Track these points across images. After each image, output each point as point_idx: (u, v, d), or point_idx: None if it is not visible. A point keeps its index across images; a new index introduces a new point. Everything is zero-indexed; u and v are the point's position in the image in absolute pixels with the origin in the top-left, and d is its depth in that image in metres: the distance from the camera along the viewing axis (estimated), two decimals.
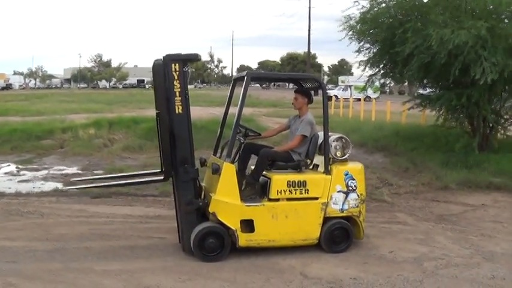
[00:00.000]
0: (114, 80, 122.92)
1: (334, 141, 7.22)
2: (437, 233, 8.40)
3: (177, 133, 6.62)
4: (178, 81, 6.51)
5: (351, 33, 14.54)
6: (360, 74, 16.49)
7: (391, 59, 13.93)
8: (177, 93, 6.51)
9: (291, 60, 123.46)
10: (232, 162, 6.80)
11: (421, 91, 16.37)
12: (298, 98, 7.43)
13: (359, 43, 14.71)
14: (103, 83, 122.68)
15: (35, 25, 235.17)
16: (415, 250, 7.42)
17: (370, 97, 32.62)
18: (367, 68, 15.08)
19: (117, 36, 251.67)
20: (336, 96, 42.57)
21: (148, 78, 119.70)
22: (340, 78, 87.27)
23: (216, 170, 6.66)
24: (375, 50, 14.70)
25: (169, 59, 6.55)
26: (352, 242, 7.21)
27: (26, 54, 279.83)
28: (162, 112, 6.60)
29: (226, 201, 6.56)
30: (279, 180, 6.79)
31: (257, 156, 7.12)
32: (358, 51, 14.82)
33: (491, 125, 13.95)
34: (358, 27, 14.36)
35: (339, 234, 7.05)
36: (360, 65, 15.11)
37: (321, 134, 7.30)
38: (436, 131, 15.14)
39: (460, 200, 10.75)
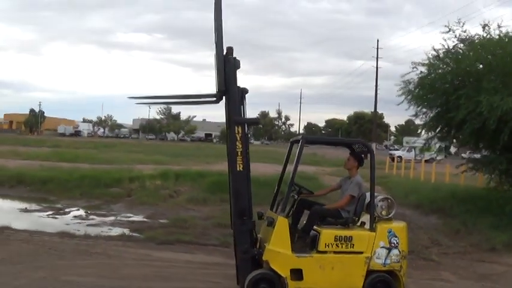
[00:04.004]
0: (182, 132, 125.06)
1: (380, 201, 7.87)
2: None
3: (238, 188, 7.39)
4: (240, 142, 7.33)
5: (409, 97, 15.04)
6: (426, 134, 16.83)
7: (447, 124, 14.40)
8: (239, 153, 7.32)
9: (357, 119, 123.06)
10: (286, 216, 7.58)
11: (474, 155, 16.63)
12: (350, 160, 8.20)
13: (417, 107, 15.19)
14: (171, 135, 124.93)
15: (106, 73, 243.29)
16: None
17: (433, 159, 32.65)
18: (423, 132, 15.53)
19: (187, 90, 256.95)
20: (399, 157, 42.55)
21: (216, 132, 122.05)
22: (405, 139, 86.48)
23: (271, 223, 7.38)
24: (431, 115, 15.12)
25: (234, 122, 7.36)
26: None
27: (96, 102, 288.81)
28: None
29: (278, 251, 7.26)
30: (327, 235, 7.46)
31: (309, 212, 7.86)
32: (415, 115, 15.31)
33: None
34: (416, 92, 14.88)
35: (380, 287, 7.58)
36: (418, 129, 15.61)
37: (368, 195, 7.96)
38: (489, 194, 15.35)
39: (505, 260, 11.06)
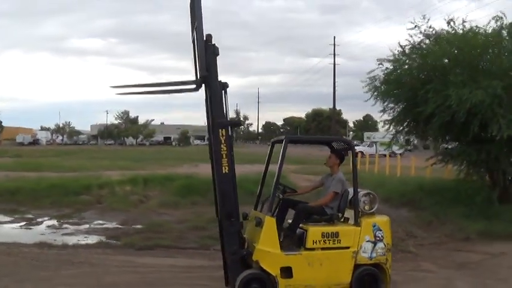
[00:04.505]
0: (141, 136, 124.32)
1: (362, 196, 8.05)
2: (457, 278, 9.17)
3: (224, 190, 7.44)
4: (225, 144, 7.39)
5: (376, 93, 15.27)
6: (384, 130, 17.13)
7: (414, 118, 14.66)
8: (224, 155, 7.38)
9: (316, 116, 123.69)
10: (272, 215, 7.63)
11: (445, 146, 16.95)
12: (332, 157, 8.36)
13: (383, 103, 15.43)
14: (130, 140, 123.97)
15: (62, 80, 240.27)
16: None
17: (395, 153, 33.15)
18: (391, 127, 15.79)
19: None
20: (361, 152, 43.05)
21: (175, 135, 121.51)
22: (366, 134, 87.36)
23: (259, 223, 7.45)
24: (398, 110, 15.39)
25: (217, 125, 7.40)
26: (380, 287, 7.88)
27: (53, 109, 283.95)
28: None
29: (268, 250, 7.34)
30: (314, 232, 7.59)
31: (293, 210, 7.99)
32: (383, 110, 15.55)
33: (510, 177, 14.58)
34: (382, 88, 15.15)
35: (368, 280, 7.76)
36: (384, 123, 15.88)
37: (350, 190, 8.12)
38: (458, 185, 15.69)
39: (481, 249, 11.43)
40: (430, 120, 13.58)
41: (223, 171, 7.39)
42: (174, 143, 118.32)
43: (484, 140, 13.51)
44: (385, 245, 7.87)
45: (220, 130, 7.38)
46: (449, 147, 16.75)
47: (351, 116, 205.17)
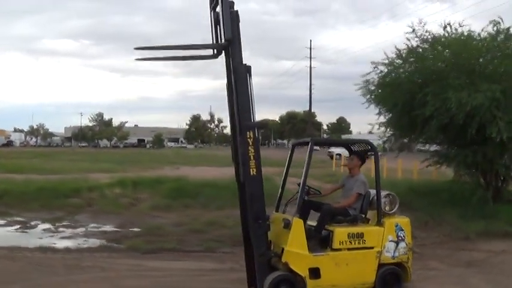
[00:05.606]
0: (115, 139, 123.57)
1: (383, 197, 8.21)
2: (469, 276, 9.41)
3: (252, 192, 7.46)
4: (252, 146, 7.43)
5: (371, 97, 15.47)
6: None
7: (411, 121, 14.82)
8: (252, 157, 7.42)
9: (290, 119, 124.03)
10: (299, 217, 7.72)
11: (436, 148, 17.21)
12: (354, 159, 8.55)
13: (377, 106, 15.67)
14: (104, 142, 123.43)
15: (36, 81, 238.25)
16: None
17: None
18: (386, 129, 16.01)
19: (118, 95, 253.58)
20: (338, 154, 43.17)
21: (148, 137, 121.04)
22: (343, 137, 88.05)
23: (287, 225, 7.53)
24: (394, 112, 15.59)
25: (245, 127, 7.44)
26: (402, 285, 8.10)
27: (26, 110, 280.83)
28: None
29: (296, 251, 7.45)
30: (340, 233, 7.75)
31: (315, 212, 8.13)
32: (379, 113, 15.78)
33: (502, 178, 14.99)
34: (377, 91, 15.41)
35: (391, 278, 7.96)
36: (380, 126, 16.09)
37: (371, 191, 8.32)
38: (450, 186, 16.05)
39: (482, 247, 11.76)
40: (427, 123, 13.80)
41: (251, 174, 7.40)
42: (148, 146, 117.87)
43: (481, 142, 13.77)
44: (406, 245, 8.10)
45: (247, 132, 7.40)
46: (440, 149, 17.06)
47: (325, 118, 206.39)
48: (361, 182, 8.32)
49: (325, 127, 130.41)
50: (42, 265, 10.00)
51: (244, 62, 7.54)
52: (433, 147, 17.20)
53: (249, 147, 7.40)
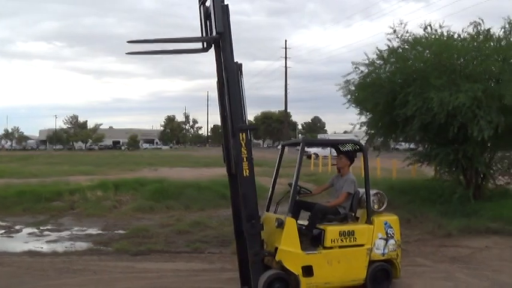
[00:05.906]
0: (90, 141, 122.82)
1: (372, 195, 8.43)
2: (456, 271, 9.69)
3: (245, 193, 7.60)
4: (245, 148, 7.56)
5: (352, 97, 15.69)
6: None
7: (392, 120, 15.09)
8: (245, 159, 7.55)
9: (265, 119, 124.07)
10: (292, 217, 7.88)
11: (416, 147, 17.51)
12: (342, 159, 8.73)
13: (358, 106, 15.89)
14: (79, 145, 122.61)
15: (9, 84, 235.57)
16: (443, 285, 8.80)
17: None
18: (366, 128, 16.24)
19: (93, 96, 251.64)
20: (316, 154, 43.37)
21: (124, 139, 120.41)
22: (319, 136, 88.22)
23: (281, 224, 7.68)
24: (375, 112, 15.81)
25: (238, 129, 7.56)
26: (391, 281, 8.34)
27: (0, 114, 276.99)
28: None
29: (290, 250, 7.61)
30: (332, 231, 7.93)
31: (305, 211, 8.30)
32: (360, 113, 16.00)
33: (482, 175, 15.32)
34: (358, 91, 15.64)
35: (381, 275, 8.19)
36: (361, 126, 16.32)
37: (359, 190, 8.52)
38: (431, 184, 16.34)
39: (465, 243, 12.03)
40: (408, 122, 14.05)
41: (245, 175, 7.54)
42: (123, 147, 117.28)
43: (462, 140, 14.09)
44: (395, 242, 8.34)
45: (240, 134, 7.53)
46: (416, 147, 17.38)
47: (300, 118, 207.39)
48: (351, 181, 8.50)
49: (300, 127, 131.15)
50: (32, 269, 10.00)
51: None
52: (411, 146, 17.50)
53: (242, 149, 7.54)
